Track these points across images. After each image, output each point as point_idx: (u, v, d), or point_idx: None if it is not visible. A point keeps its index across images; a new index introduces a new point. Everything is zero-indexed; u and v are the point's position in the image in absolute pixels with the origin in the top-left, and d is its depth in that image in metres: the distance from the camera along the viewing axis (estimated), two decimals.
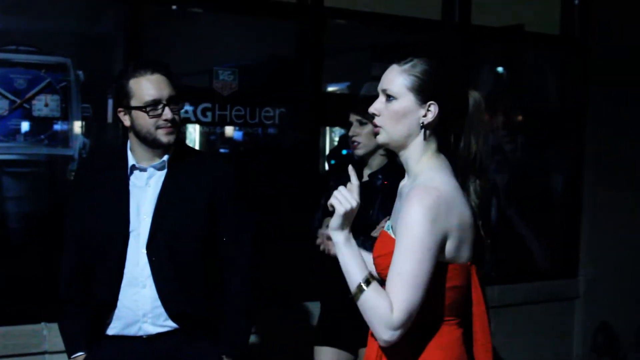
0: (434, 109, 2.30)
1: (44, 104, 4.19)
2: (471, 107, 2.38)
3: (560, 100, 6.23)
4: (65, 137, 4.28)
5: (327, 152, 5.47)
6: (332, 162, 5.47)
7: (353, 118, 3.75)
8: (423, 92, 2.30)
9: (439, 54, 5.46)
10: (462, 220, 2.26)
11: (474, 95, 2.39)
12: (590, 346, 6.12)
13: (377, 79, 5.13)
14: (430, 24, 5.54)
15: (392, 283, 2.18)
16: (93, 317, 2.96)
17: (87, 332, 2.95)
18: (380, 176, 3.71)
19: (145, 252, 2.88)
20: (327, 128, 5.42)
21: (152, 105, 2.83)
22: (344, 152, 5.45)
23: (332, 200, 2.30)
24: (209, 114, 4.65)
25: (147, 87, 2.84)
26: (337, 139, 5.56)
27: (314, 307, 4.00)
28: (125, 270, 2.90)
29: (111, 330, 2.94)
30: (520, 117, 6.13)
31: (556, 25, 6.16)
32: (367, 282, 2.22)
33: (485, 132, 2.40)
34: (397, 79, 2.33)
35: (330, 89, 5.27)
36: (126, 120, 2.90)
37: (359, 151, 3.73)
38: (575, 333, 6.09)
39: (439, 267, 2.23)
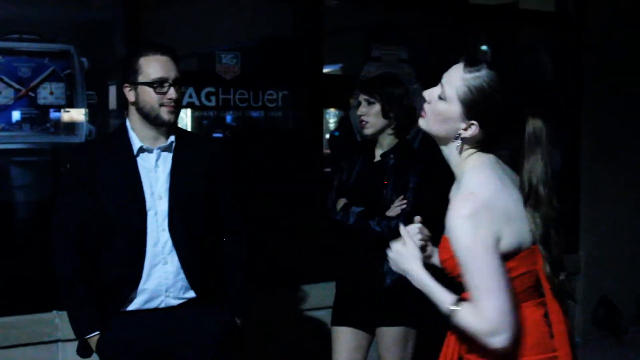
0: (474, 128, 2.24)
1: (48, 92, 4.17)
2: (529, 134, 2.29)
3: (557, 78, 6.26)
4: (71, 125, 4.27)
5: (330, 134, 5.45)
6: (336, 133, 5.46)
7: (361, 97, 3.75)
8: (470, 108, 2.24)
9: (434, 33, 5.56)
10: (509, 216, 2.22)
11: (534, 124, 2.30)
12: (591, 320, 6.19)
13: (376, 59, 5.23)
14: (426, 3, 5.54)
15: (474, 296, 2.17)
16: (107, 296, 3.01)
17: (99, 312, 3.00)
18: (392, 155, 3.71)
19: (168, 230, 3.01)
20: (331, 110, 5.40)
21: (158, 83, 2.97)
22: (336, 133, 5.47)
23: (393, 266, 2.45)
24: (212, 98, 4.64)
25: (156, 66, 2.98)
26: (332, 120, 5.55)
27: (328, 288, 4.00)
28: (146, 250, 3.00)
29: (131, 307, 3.02)
30: (517, 95, 6.13)
31: (551, 2, 6.18)
32: (456, 303, 2.22)
33: (544, 162, 2.27)
34: (455, 83, 2.26)
35: (331, 70, 5.26)
36: (131, 96, 3.02)
37: (368, 131, 3.73)
38: (577, 308, 6.14)
39: (505, 259, 2.20)
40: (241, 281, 3.25)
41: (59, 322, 4.05)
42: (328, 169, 4.96)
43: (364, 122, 3.73)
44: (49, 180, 4.40)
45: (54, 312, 4.10)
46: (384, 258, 3.62)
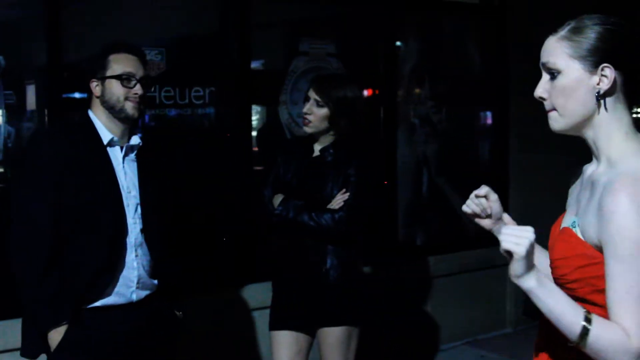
0: (609, 72, 1.90)
1: None
2: None
3: (484, 69, 6.30)
4: None
5: (258, 130, 5.37)
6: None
7: (312, 95, 3.68)
8: (590, 55, 1.91)
9: (361, 26, 5.53)
10: None
11: None
12: (522, 310, 6.25)
13: (305, 54, 5.18)
14: None
15: (621, 303, 1.80)
16: (78, 288, 3.01)
17: (69, 306, 2.99)
18: (331, 151, 3.68)
19: (140, 222, 3.12)
20: (259, 106, 5.32)
21: (126, 77, 3.08)
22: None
23: (507, 245, 1.82)
24: None
25: (125, 62, 3.10)
26: (255, 117, 5.47)
27: (263, 289, 3.95)
28: (122, 241, 3.09)
29: (100, 302, 3.05)
30: (445, 87, 6.17)
31: None
32: (588, 320, 1.81)
33: None
34: (557, 49, 1.96)
35: (258, 66, 5.18)
36: (97, 91, 3.11)
37: (308, 129, 3.69)
38: (508, 299, 6.21)
39: None
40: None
41: None
42: (258, 167, 4.89)
43: (307, 120, 3.67)
44: None
45: None
46: (327, 252, 3.63)
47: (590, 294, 1.90)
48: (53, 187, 2.98)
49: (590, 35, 1.92)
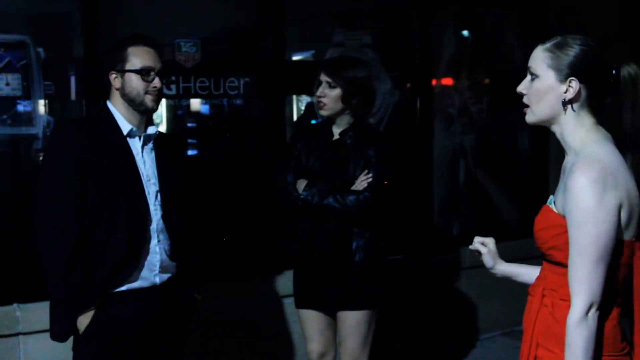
0: (575, 85, 2.28)
1: (4, 83, 4.14)
2: (626, 80, 2.32)
3: (524, 60, 6.23)
4: (29, 116, 4.24)
5: (295, 120, 5.43)
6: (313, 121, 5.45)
7: (323, 78, 3.75)
8: (564, 68, 2.29)
9: (399, 19, 5.55)
10: (629, 194, 2.22)
11: (629, 69, 2.33)
12: None
13: (340, 45, 5.22)
14: None
15: (573, 265, 2.19)
16: (103, 274, 3.10)
17: (96, 291, 3.09)
18: (350, 133, 3.75)
19: (160, 209, 3.21)
20: (294, 97, 5.38)
21: (145, 71, 3.15)
22: (313, 122, 5.44)
23: (473, 247, 2.62)
24: (173, 86, 4.61)
25: (144, 55, 3.17)
26: (303, 107, 5.54)
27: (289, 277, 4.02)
28: (146, 228, 3.19)
29: (126, 286, 3.15)
30: (485, 78, 6.16)
31: None
32: None
33: None
34: (538, 57, 2.33)
35: (293, 57, 5.24)
36: (117, 83, 3.19)
37: (324, 112, 3.76)
38: None
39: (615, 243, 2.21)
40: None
41: (20, 314, 4.04)
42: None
43: (321, 104, 3.75)
44: (8, 172, 4.38)
45: (15, 305, 4.07)
46: (353, 234, 3.69)
47: (565, 258, 2.24)
48: (77, 176, 3.07)
49: (569, 52, 2.29)
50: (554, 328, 2.28)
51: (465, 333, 5.82)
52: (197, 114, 4.89)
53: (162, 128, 4.86)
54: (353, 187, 3.66)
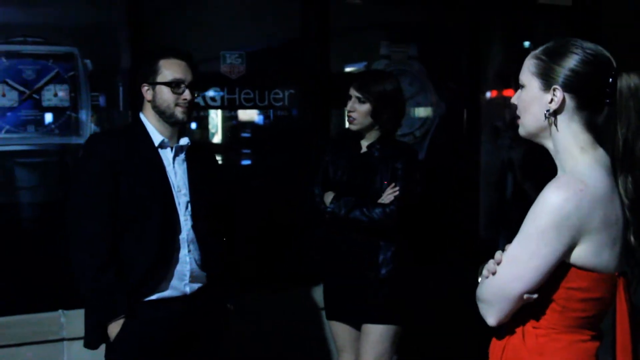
0: (558, 94, 2.06)
1: (53, 94, 4.23)
2: (623, 91, 2.05)
3: None
4: (76, 126, 4.32)
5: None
6: None
7: (353, 93, 3.79)
8: (545, 75, 2.08)
9: (446, 31, 5.52)
10: (607, 224, 2.03)
11: (627, 80, 2.06)
12: None
13: (386, 57, 5.21)
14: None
15: (501, 269, 2.13)
16: (133, 283, 3.15)
17: (126, 299, 3.13)
18: (378, 146, 3.76)
19: (190, 219, 3.24)
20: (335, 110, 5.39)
21: (175, 84, 3.20)
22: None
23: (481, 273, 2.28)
24: (217, 98, 4.66)
25: (174, 68, 3.22)
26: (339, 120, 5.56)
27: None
28: (176, 237, 3.23)
29: (156, 295, 3.19)
30: None
31: None
32: None
33: (637, 120, 2.06)
34: (525, 65, 2.15)
35: (339, 69, 5.25)
36: (149, 95, 3.24)
37: (354, 127, 3.79)
38: None
39: (566, 269, 2.06)
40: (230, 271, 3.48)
41: (65, 320, 4.12)
42: None
43: (351, 118, 3.77)
44: (54, 182, 4.47)
45: (60, 311, 4.15)
46: (379, 247, 3.68)
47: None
48: (108, 186, 3.12)
49: (555, 58, 2.07)
50: (523, 356, 2.14)
51: None
52: (245, 124, 4.93)
53: (218, 138, 4.93)
54: (380, 200, 3.65)
